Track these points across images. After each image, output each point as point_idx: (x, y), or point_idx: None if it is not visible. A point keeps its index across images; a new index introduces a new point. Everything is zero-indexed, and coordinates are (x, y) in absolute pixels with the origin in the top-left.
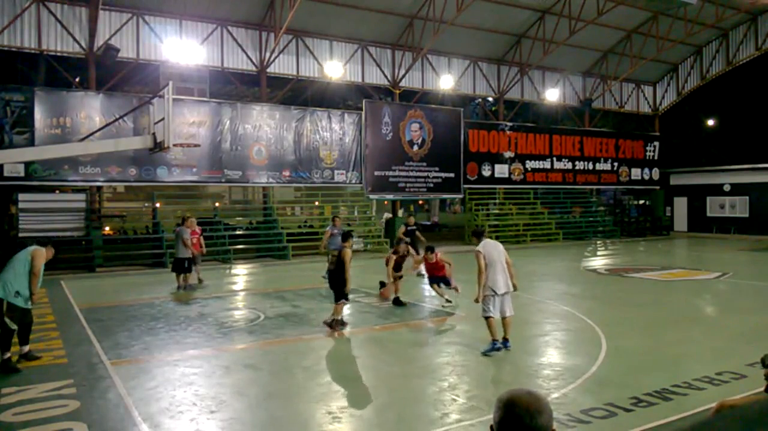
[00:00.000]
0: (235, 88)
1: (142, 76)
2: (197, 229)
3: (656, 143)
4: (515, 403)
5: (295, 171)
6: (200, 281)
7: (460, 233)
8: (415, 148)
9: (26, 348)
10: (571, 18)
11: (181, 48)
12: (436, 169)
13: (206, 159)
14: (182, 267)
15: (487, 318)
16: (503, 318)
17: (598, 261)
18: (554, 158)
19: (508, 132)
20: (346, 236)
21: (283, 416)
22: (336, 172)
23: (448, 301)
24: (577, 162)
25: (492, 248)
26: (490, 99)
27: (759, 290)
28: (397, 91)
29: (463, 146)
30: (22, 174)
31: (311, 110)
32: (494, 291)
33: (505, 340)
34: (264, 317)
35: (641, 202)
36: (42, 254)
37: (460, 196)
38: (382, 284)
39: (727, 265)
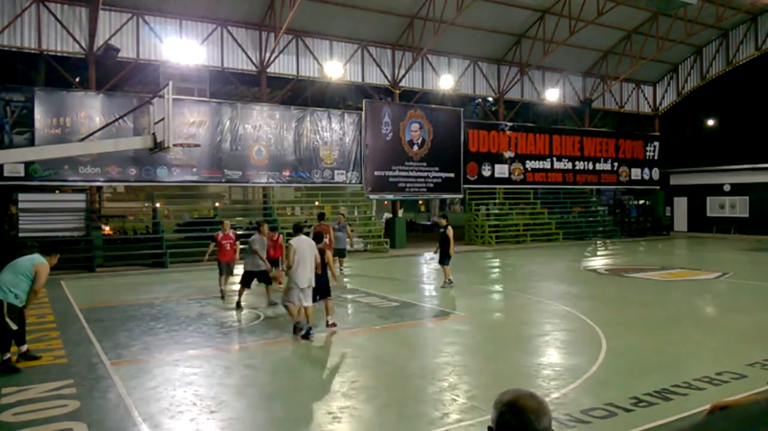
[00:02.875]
0: (235, 88)
1: (142, 76)
2: (231, 233)
3: (656, 143)
4: (522, 407)
5: (295, 171)
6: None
7: (461, 233)
8: (415, 148)
9: (24, 348)
10: (571, 18)
11: (181, 48)
12: (436, 169)
13: (206, 159)
14: (249, 282)
15: (286, 305)
16: (305, 308)
17: (598, 261)
18: (554, 158)
19: (508, 132)
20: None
21: (283, 416)
22: (336, 172)
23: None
24: (577, 162)
25: (305, 245)
26: (490, 99)
27: (759, 290)
28: (397, 91)
29: (463, 146)
30: (22, 174)
31: (311, 110)
32: (297, 285)
33: (309, 327)
34: (264, 317)
35: (641, 202)
36: (46, 270)
37: (460, 196)
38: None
39: (727, 265)
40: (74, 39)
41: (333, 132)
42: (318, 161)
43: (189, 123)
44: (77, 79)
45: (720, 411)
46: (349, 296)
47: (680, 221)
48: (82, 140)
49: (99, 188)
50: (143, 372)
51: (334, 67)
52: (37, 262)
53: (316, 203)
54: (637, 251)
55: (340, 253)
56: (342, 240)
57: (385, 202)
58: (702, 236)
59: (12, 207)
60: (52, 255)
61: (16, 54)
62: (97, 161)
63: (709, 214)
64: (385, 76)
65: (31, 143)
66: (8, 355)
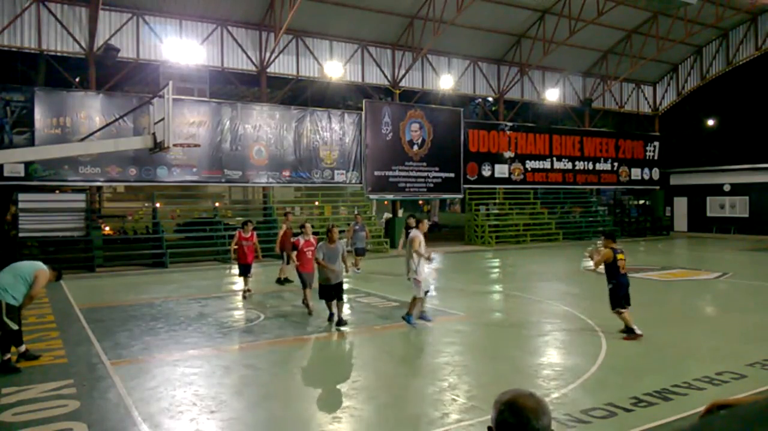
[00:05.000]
0: (235, 88)
1: (142, 76)
2: (313, 239)
3: (656, 143)
4: (520, 406)
5: (295, 171)
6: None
7: (460, 233)
8: (415, 148)
9: (23, 348)
10: (571, 18)
11: (181, 48)
12: (436, 169)
13: (206, 159)
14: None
15: None
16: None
17: None
18: (554, 158)
19: (508, 132)
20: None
21: (283, 416)
22: (336, 172)
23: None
24: (577, 162)
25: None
26: (490, 99)
27: (759, 290)
28: (397, 91)
29: (463, 146)
30: (22, 174)
31: (311, 110)
32: None
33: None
34: (264, 317)
35: (641, 202)
36: (46, 277)
37: (460, 196)
38: None
39: (727, 265)
40: (74, 39)
41: (333, 132)
42: (318, 161)
43: (189, 123)
44: (77, 79)
45: (719, 410)
46: (349, 296)
47: (680, 221)
48: (82, 140)
49: (99, 188)
50: (143, 372)
51: (334, 67)
52: (39, 268)
53: (316, 203)
54: (637, 251)
55: (360, 252)
56: (362, 239)
57: (385, 202)
58: (702, 236)
59: (12, 207)
60: (52, 271)
61: (16, 54)
62: (97, 161)
63: (709, 214)
64: (385, 76)
65: (31, 143)
66: (8, 355)
